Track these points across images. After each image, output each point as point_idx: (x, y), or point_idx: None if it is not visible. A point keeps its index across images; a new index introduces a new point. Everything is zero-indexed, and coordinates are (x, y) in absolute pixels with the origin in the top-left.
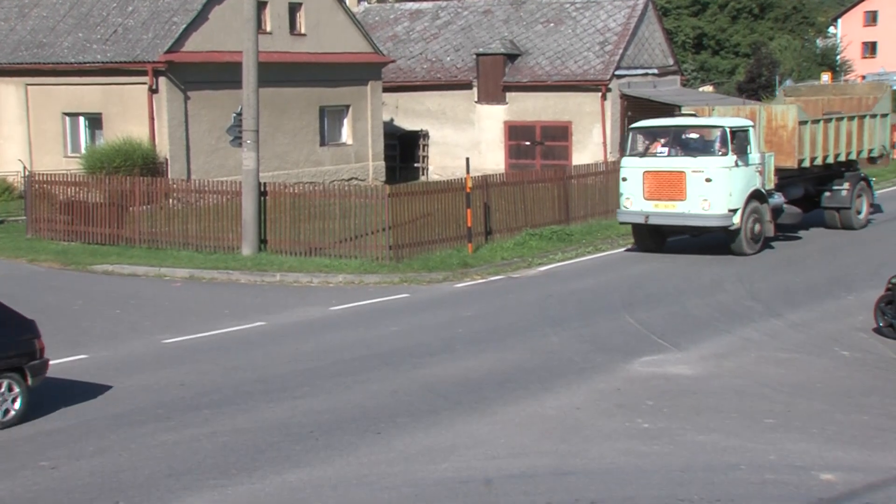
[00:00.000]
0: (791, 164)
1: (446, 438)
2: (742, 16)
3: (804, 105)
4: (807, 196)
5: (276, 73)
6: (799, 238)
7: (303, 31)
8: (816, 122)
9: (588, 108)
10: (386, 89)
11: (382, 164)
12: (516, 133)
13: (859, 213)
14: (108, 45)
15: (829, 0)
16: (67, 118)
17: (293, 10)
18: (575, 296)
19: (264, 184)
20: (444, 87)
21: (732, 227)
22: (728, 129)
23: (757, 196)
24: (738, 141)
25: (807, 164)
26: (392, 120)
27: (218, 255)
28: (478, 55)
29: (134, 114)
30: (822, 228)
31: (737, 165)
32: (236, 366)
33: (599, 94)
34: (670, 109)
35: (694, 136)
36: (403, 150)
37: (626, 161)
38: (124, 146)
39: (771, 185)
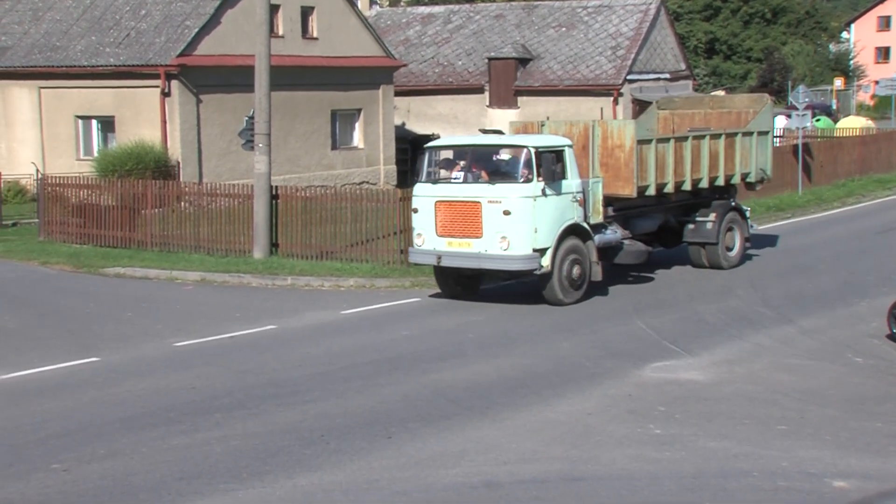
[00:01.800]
0: (629, 191)
1: (457, 443)
2: (754, 21)
3: (678, 120)
4: (668, 229)
5: (288, 76)
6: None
7: (315, 35)
8: (665, 140)
9: (600, 112)
10: (397, 93)
11: (394, 167)
12: None
13: (730, 249)
14: (120, 48)
15: (842, 5)
16: (80, 121)
17: (305, 14)
18: (585, 300)
19: (276, 187)
20: (456, 91)
21: (540, 272)
22: (533, 150)
23: (576, 232)
24: (546, 164)
25: (652, 191)
26: (403, 124)
27: (229, 259)
28: (489, 59)
29: (146, 117)
30: (688, 266)
31: (544, 194)
32: (247, 369)
33: (611, 98)
34: None
35: (494, 158)
36: (415, 154)
37: (417, 188)
38: (136, 149)
39: (598, 218)
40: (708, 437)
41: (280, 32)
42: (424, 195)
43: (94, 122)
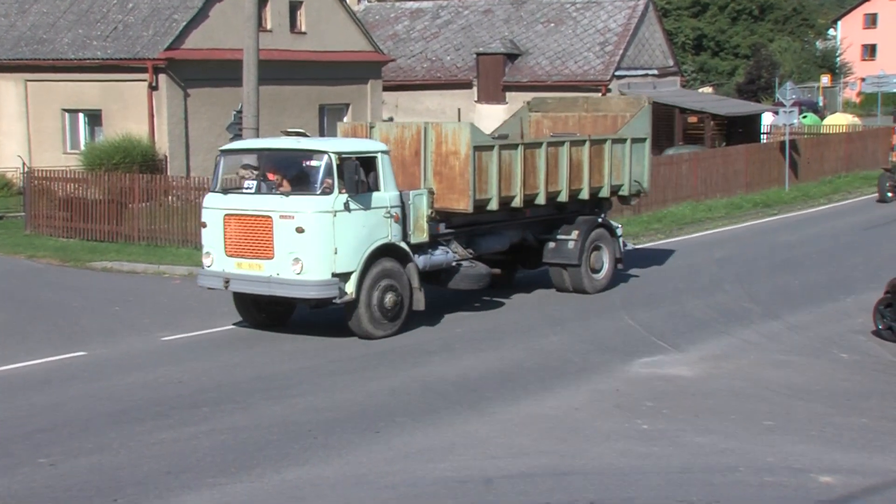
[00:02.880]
0: (464, 206)
1: (445, 438)
2: (742, 17)
3: (550, 123)
4: (525, 247)
5: (277, 71)
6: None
7: (303, 29)
8: (510, 147)
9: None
10: (386, 88)
11: None
12: None
13: (597, 271)
14: (108, 41)
15: (829, 2)
16: (67, 114)
17: (294, 8)
18: (573, 295)
19: None
20: (444, 86)
21: (342, 300)
22: (335, 157)
23: (391, 253)
24: (351, 173)
25: (494, 206)
26: (392, 119)
27: None
28: (478, 55)
29: (134, 111)
30: (553, 290)
31: (348, 209)
32: (235, 363)
33: (599, 94)
34: (670, 111)
35: (292, 165)
36: None
37: (207, 199)
38: (124, 143)
39: (422, 237)
40: (695, 433)
41: (268, 26)
42: (213, 207)
43: (81, 115)
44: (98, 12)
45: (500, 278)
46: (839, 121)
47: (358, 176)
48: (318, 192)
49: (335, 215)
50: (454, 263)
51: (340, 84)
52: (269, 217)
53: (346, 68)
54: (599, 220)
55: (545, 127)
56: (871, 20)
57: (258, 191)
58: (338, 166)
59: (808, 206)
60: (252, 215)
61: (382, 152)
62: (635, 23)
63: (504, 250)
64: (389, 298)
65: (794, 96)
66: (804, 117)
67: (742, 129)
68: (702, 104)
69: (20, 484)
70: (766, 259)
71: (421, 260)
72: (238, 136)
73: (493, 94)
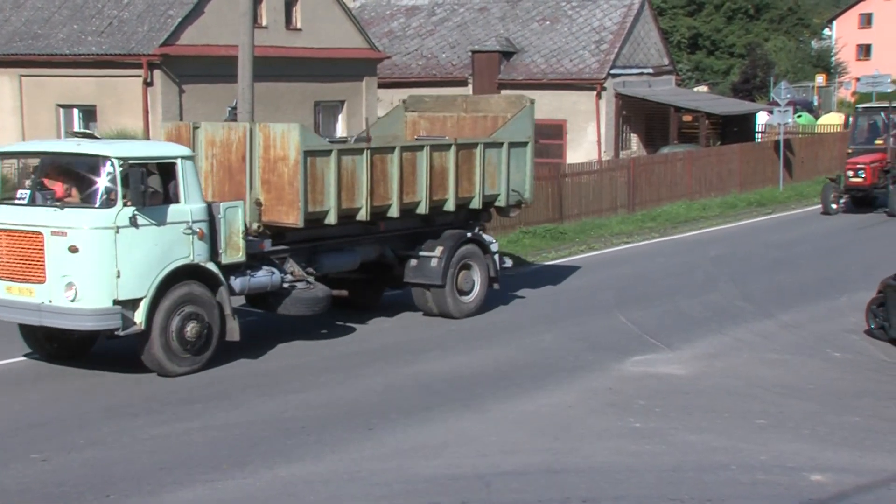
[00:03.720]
0: (293, 220)
1: (438, 435)
2: (737, 16)
3: (427, 124)
4: (382, 265)
5: (272, 67)
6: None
7: (299, 25)
8: (354, 152)
9: (583, 106)
10: (381, 85)
11: None
12: None
13: (464, 292)
14: (103, 37)
15: (824, 2)
16: (61, 110)
17: (289, 4)
18: (568, 294)
19: None
20: (440, 83)
21: (128, 331)
22: (118, 163)
23: (195, 275)
24: (137, 182)
25: (332, 219)
26: (234, 107)
27: None
28: (473, 52)
29: (128, 106)
30: (418, 312)
31: (134, 224)
32: (228, 360)
33: (594, 92)
34: (665, 109)
35: (71, 172)
36: None
37: None
38: (119, 138)
39: (238, 256)
40: (687, 431)
41: (264, 23)
42: None
43: (75, 110)
44: (93, 8)
45: (367, 299)
46: (834, 120)
47: (148, 186)
48: (98, 205)
49: (118, 232)
50: (286, 285)
51: (336, 81)
52: (40, 233)
53: (342, 65)
54: (469, 234)
55: (422, 128)
56: (867, 20)
57: (31, 202)
58: (122, 174)
59: (802, 206)
60: (22, 231)
61: (184, 157)
62: (631, 21)
63: (355, 269)
64: (191, 329)
65: (788, 96)
66: (799, 117)
67: (737, 129)
68: (697, 103)
69: (12, 479)
70: (759, 258)
71: (238, 283)
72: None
73: (488, 91)
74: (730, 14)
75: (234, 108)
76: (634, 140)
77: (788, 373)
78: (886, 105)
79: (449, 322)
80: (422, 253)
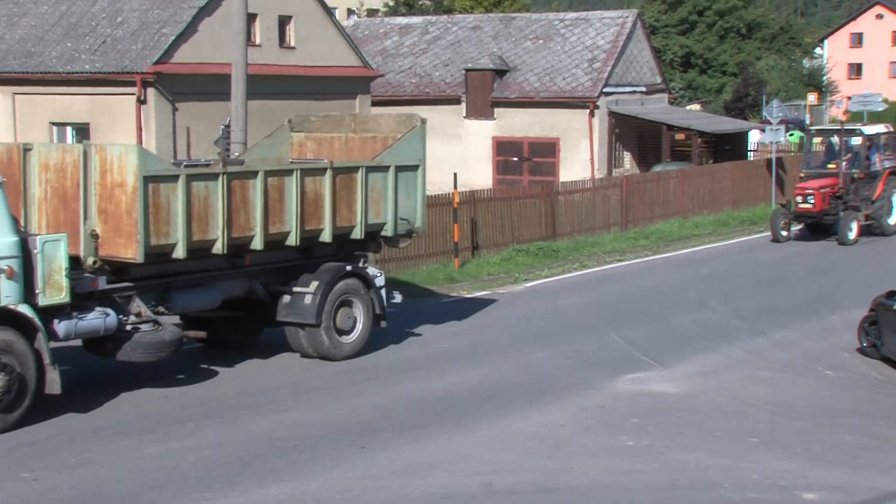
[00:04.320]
0: (132, 254)
1: (430, 454)
2: (729, 35)
3: (314, 145)
4: (253, 302)
5: (265, 85)
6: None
7: (292, 44)
8: (206, 178)
9: (576, 124)
10: (375, 103)
11: None
12: (504, 149)
13: (346, 332)
14: (96, 55)
15: (815, 21)
16: (55, 128)
17: (283, 23)
18: (560, 312)
19: None
20: (433, 101)
21: None
22: None
23: (4, 320)
24: None
25: (180, 253)
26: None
27: None
28: (466, 70)
29: (122, 125)
30: (290, 355)
31: None
32: (221, 378)
33: (587, 110)
34: (657, 127)
35: None
36: None
37: None
38: None
39: (61, 296)
40: (680, 449)
41: (257, 41)
42: None
43: (68, 129)
44: (87, 26)
45: (242, 338)
46: None
47: None
48: None
49: None
50: (129, 328)
51: (329, 99)
52: None
53: (335, 83)
54: (349, 267)
55: (309, 150)
56: (857, 39)
57: None
58: None
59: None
60: None
61: None
62: (623, 40)
63: (217, 307)
64: None
65: (780, 114)
66: (791, 135)
67: (729, 147)
68: (689, 121)
69: (2, 499)
70: (752, 276)
71: (62, 327)
72: (227, 151)
73: (481, 109)
74: (722, 33)
75: (228, 126)
76: (627, 158)
77: (781, 391)
78: (839, 128)
79: (442, 340)
80: (295, 289)
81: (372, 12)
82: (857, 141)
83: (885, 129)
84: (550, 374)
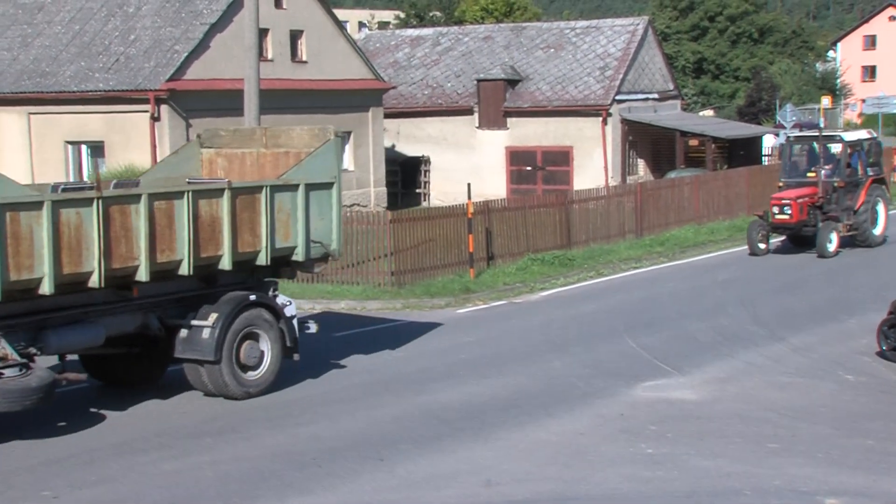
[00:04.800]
0: None
1: (449, 465)
2: (742, 40)
3: (225, 162)
4: (150, 338)
5: (278, 100)
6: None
7: (304, 58)
8: (77, 203)
9: (589, 132)
10: (387, 115)
11: (384, 189)
12: (517, 158)
13: (252, 367)
14: (110, 73)
15: (828, 24)
16: (70, 146)
17: (294, 37)
18: (577, 320)
19: None
20: (445, 112)
21: None
22: None
23: None
24: None
25: (48, 288)
26: (393, 146)
27: None
28: (478, 81)
29: (136, 142)
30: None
31: None
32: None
33: (600, 118)
34: (671, 134)
35: None
36: (405, 175)
37: None
38: (126, 174)
39: None
40: (700, 457)
41: (269, 56)
42: None
43: (83, 147)
44: (100, 45)
45: (144, 377)
46: None
47: None
48: None
49: None
50: None
51: (342, 112)
52: None
53: (348, 96)
54: (253, 297)
55: (220, 167)
56: (871, 42)
57: None
58: None
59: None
60: None
61: None
62: (635, 47)
63: (101, 345)
64: None
65: (794, 118)
66: None
67: (743, 152)
68: (703, 127)
69: None
70: (769, 281)
71: None
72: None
73: (494, 119)
74: (734, 38)
75: None
76: (641, 165)
77: (800, 396)
78: (817, 134)
79: (459, 350)
80: (193, 322)
81: (383, 25)
82: (837, 148)
83: (867, 136)
84: (568, 382)
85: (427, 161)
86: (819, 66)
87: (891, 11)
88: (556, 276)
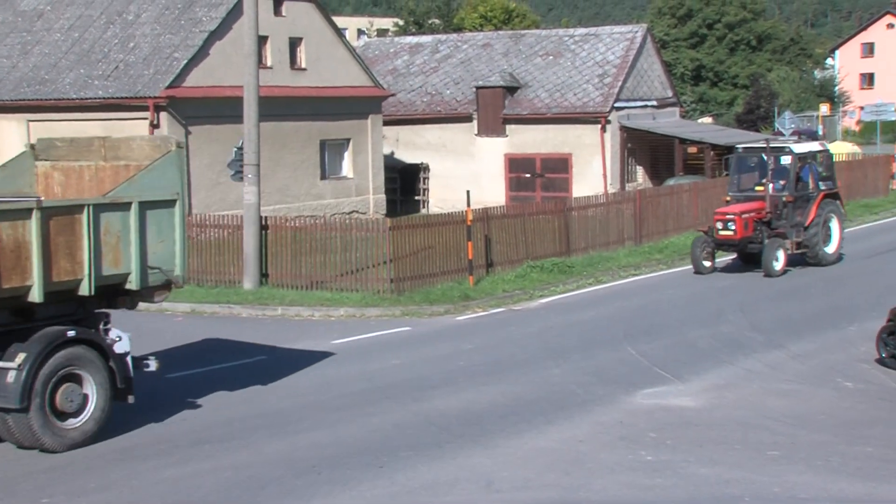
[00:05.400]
0: None
1: (449, 472)
2: (740, 48)
3: (62, 176)
4: None
5: (277, 107)
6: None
7: (303, 65)
8: None
9: (588, 140)
10: (386, 123)
11: (383, 197)
12: (516, 165)
13: (73, 414)
14: (109, 80)
15: (826, 32)
16: None
17: (294, 44)
18: (576, 328)
19: (265, 217)
20: (444, 119)
21: None
22: None
23: None
24: None
25: None
26: (392, 153)
27: (219, 289)
28: (477, 88)
29: None
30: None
31: None
32: (238, 400)
33: (599, 126)
34: (669, 141)
35: None
36: (404, 183)
37: None
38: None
39: None
40: (699, 464)
41: (268, 63)
42: None
43: None
44: (99, 52)
45: None
46: (839, 149)
47: None
48: None
49: None
50: None
51: (341, 119)
52: None
53: (347, 103)
54: (72, 333)
55: (56, 183)
56: (869, 49)
57: None
58: None
59: None
60: None
61: None
62: (633, 55)
63: None
64: None
65: (793, 125)
66: None
67: None
68: (701, 134)
69: None
70: (768, 288)
71: None
72: (239, 173)
73: (493, 127)
74: (732, 45)
75: (241, 148)
76: (640, 172)
77: (799, 403)
78: (765, 146)
79: (458, 357)
80: (1, 363)
81: (382, 32)
82: (786, 160)
83: (819, 147)
84: (568, 389)
85: (426, 168)
86: (817, 74)
87: (889, 19)
88: (556, 283)
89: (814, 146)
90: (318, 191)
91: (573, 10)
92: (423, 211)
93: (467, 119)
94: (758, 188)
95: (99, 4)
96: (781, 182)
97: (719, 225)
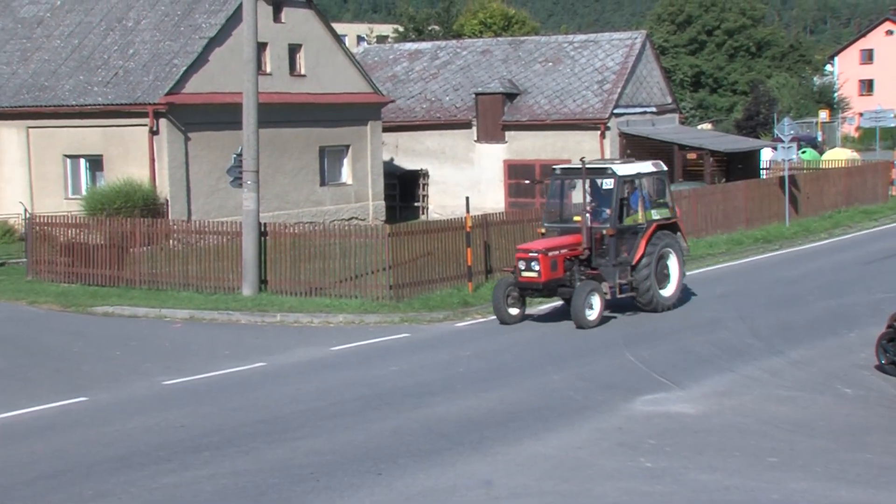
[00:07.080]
0: None
1: (448, 479)
2: (739, 54)
3: None
4: None
5: (276, 113)
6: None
7: (303, 72)
8: None
9: (587, 146)
10: (385, 129)
11: (382, 203)
12: (516, 172)
13: None
14: (109, 87)
15: (825, 38)
16: (68, 160)
17: (293, 51)
18: (575, 334)
19: (265, 224)
20: (444, 126)
21: None
22: None
23: None
24: None
25: None
26: (392, 159)
27: (218, 296)
28: (477, 94)
29: (135, 155)
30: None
31: None
32: (237, 407)
33: (598, 132)
34: (669, 148)
35: None
36: (403, 189)
37: None
38: (125, 187)
39: None
40: (698, 470)
41: (268, 70)
42: None
43: (82, 160)
44: (99, 59)
45: None
46: (838, 155)
47: None
48: None
49: None
50: None
51: (340, 126)
52: None
53: (346, 110)
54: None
55: None
56: (868, 56)
57: None
58: None
59: (808, 241)
60: None
61: None
62: (633, 61)
63: None
64: None
65: (792, 132)
66: (803, 153)
67: (741, 165)
68: (701, 141)
69: None
70: (767, 294)
71: None
72: (238, 179)
73: (492, 133)
74: (731, 52)
75: (240, 155)
76: None
77: (799, 410)
78: (580, 166)
79: (457, 364)
80: None
81: (381, 39)
82: (608, 184)
83: (651, 169)
84: (566, 396)
85: (425, 174)
86: (816, 80)
87: (888, 26)
88: None
89: (645, 167)
90: (317, 197)
91: (572, 16)
92: (423, 217)
93: (467, 125)
94: (575, 219)
95: (98, 11)
96: (607, 211)
97: (521, 265)
